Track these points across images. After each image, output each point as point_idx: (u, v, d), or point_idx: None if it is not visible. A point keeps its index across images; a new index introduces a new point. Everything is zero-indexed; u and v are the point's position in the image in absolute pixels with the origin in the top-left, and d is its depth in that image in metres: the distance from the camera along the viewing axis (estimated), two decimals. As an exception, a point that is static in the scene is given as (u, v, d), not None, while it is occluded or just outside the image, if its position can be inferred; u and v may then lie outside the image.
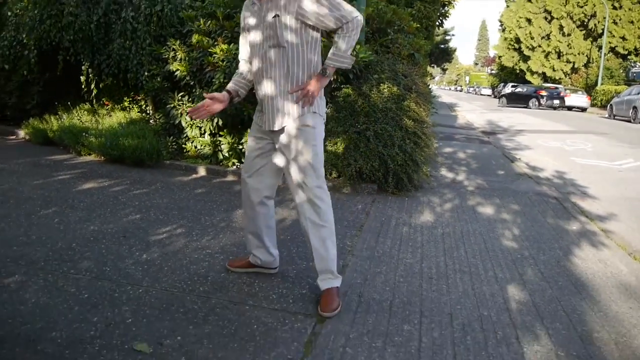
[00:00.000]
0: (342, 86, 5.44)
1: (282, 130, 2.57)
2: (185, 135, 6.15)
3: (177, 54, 5.96)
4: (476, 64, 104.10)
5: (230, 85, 2.77)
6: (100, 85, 6.74)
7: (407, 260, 3.36)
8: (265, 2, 2.52)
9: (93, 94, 6.80)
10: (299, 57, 2.53)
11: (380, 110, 5.24)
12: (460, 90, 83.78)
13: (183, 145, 6.18)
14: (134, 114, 6.91)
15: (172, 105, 6.04)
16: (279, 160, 2.66)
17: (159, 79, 6.16)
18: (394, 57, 5.93)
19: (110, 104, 7.19)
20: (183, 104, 6.02)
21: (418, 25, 7.07)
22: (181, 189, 5.03)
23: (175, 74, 5.94)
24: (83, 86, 6.63)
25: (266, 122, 2.61)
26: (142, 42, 6.11)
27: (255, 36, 2.59)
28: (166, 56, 6.04)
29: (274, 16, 2.47)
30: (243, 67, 2.78)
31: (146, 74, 6.16)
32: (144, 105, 7.00)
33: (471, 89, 70.71)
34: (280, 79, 2.54)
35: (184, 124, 6.03)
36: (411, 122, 5.25)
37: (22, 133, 7.19)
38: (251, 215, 2.84)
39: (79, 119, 6.73)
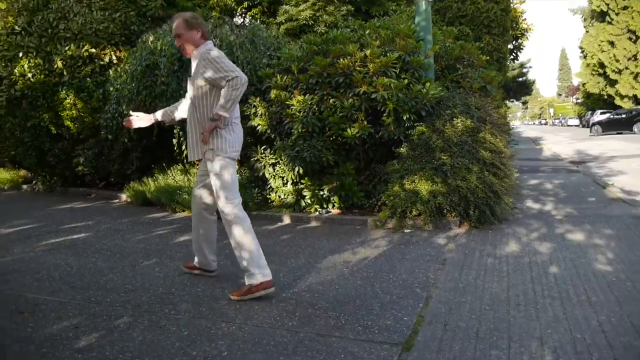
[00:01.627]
0: (416, 124, 5.55)
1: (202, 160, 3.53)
2: (269, 186, 6.47)
3: (258, 109, 6.36)
4: (559, 94, 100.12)
5: (158, 112, 3.83)
6: (190, 146, 7.27)
7: (492, 290, 3.32)
8: (193, 61, 3.45)
9: (184, 154, 7.33)
10: (205, 106, 3.38)
11: (456, 144, 5.27)
12: (545, 123, 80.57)
13: (268, 196, 6.49)
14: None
15: (255, 159, 6.41)
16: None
17: (242, 135, 6.57)
18: (466, 91, 5.99)
19: (200, 163, 7.70)
20: (266, 156, 6.36)
21: (488, 58, 7.09)
22: (268, 236, 5.27)
23: (257, 128, 6.32)
24: (175, 148, 7.18)
25: (189, 154, 3.55)
26: (226, 103, 6.58)
27: (189, 85, 3.50)
28: (248, 113, 6.45)
29: (191, 75, 3.45)
30: (181, 102, 3.76)
31: (230, 131, 6.59)
32: (230, 161, 7.45)
33: (556, 120, 67.89)
34: (194, 121, 3.44)
35: (267, 175, 6.36)
36: (488, 154, 5.23)
37: (124, 196, 7.85)
38: (195, 224, 3.75)
39: (173, 179, 7.26)
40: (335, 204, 6.03)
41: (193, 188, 3.77)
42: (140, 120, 3.82)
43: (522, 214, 5.83)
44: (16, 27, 8.10)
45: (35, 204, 7.81)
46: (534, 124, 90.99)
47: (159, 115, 3.82)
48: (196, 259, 3.87)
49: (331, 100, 5.70)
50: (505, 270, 3.73)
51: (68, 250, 4.82)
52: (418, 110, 5.50)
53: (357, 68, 5.63)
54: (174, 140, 7.07)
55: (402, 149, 5.59)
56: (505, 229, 5.13)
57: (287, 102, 5.92)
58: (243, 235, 3.40)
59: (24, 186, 9.51)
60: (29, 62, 7.92)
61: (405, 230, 5.24)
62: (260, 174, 6.43)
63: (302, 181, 6.15)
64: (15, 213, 6.91)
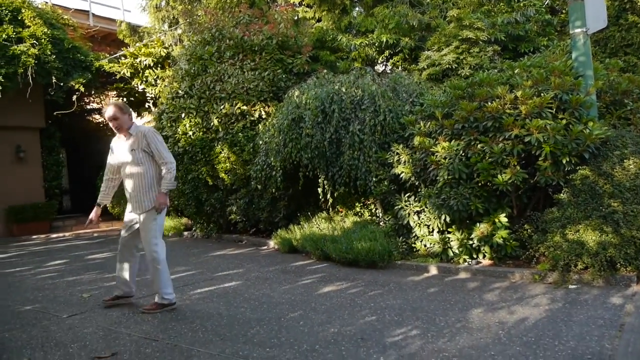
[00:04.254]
0: (578, 168, 5.00)
1: (141, 214, 4.55)
2: (414, 234, 6.24)
3: (401, 157, 6.24)
4: None
5: (101, 200, 4.79)
6: (335, 194, 7.36)
7: (692, 368, 2.74)
8: (127, 137, 4.56)
9: (329, 203, 7.43)
10: (148, 170, 4.52)
11: (629, 190, 4.64)
12: None
13: (413, 245, 6.26)
14: (365, 217, 7.31)
15: (399, 207, 6.25)
16: (140, 226, 4.59)
17: (385, 183, 6.49)
18: (638, 129, 5.29)
19: (343, 210, 7.75)
20: (410, 204, 6.18)
21: (663, 89, 6.26)
22: (413, 288, 5.02)
23: (401, 176, 6.20)
24: (320, 197, 7.31)
25: (135, 209, 4.57)
26: (369, 151, 6.58)
27: (126, 155, 4.54)
28: (391, 161, 6.36)
29: (132, 150, 4.51)
30: (108, 185, 4.77)
31: (374, 179, 6.56)
32: (374, 209, 7.37)
33: None
34: (141, 182, 4.52)
35: (412, 223, 6.15)
36: (673, 200, 4.51)
37: (272, 243, 8.12)
38: (123, 260, 4.73)
39: (317, 227, 7.36)
40: (486, 254, 5.60)
41: (124, 235, 4.70)
42: (95, 215, 4.75)
43: None
44: (180, 91, 9.00)
45: (194, 250, 8.38)
46: None
47: (101, 201, 4.79)
48: (117, 290, 4.86)
49: (479, 146, 5.39)
50: None
51: (220, 299, 5.01)
52: (580, 153, 4.96)
53: (507, 111, 5.28)
54: (319, 190, 7.20)
55: (562, 195, 5.06)
56: (699, 288, 4.32)
57: (432, 149, 5.73)
58: (163, 270, 4.62)
59: (185, 233, 10.33)
60: (190, 121, 8.71)
61: (570, 286, 4.65)
62: (405, 222, 6.24)
63: (449, 229, 5.84)
64: (177, 260, 7.45)
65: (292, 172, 7.48)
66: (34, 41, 10.96)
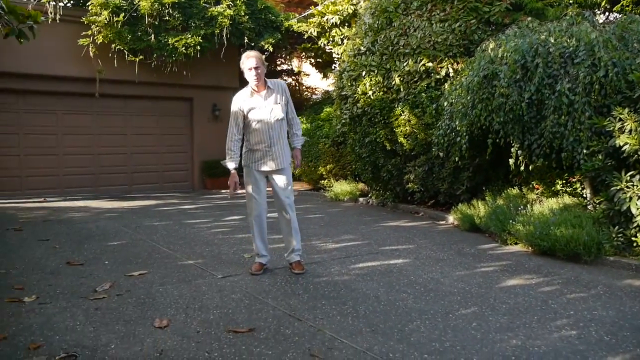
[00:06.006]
0: None
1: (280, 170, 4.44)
2: (635, 224, 4.84)
3: (625, 124, 4.84)
4: None
5: (237, 164, 4.39)
6: (530, 168, 6.15)
7: None
8: (268, 93, 4.38)
9: (522, 177, 6.26)
10: (285, 126, 4.51)
11: None
12: None
13: (633, 238, 4.86)
14: (567, 198, 5.99)
15: (617, 188, 4.88)
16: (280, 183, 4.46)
17: (600, 157, 5.13)
18: None
19: (540, 187, 6.49)
20: (633, 185, 4.78)
21: None
22: (633, 297, 3.80)
23: (623, 148, 4.82)
24: (512, 169, 6.17)
25: (274, 165, 4.38)
26: (580, 116, 5.24)
27: (265, 114, 4.36)
28: (610, 129, 4.99)
29: (277, 104, 4.39)
30: (236, 144, 4.38)
31: (584, 151, 5.22)
32: (580, 188, 6.01)
33: None
34: (282, 138, 4.45)
35: (634, 210, 4.76)
36: None
37: (451, 218, 7.22)
38: (263, 226, 4.56)
39: (506, 205, 6.25)
40: None
41: (261, 199, 4.48)
42: (237, 182, 4.43)
43: None
44: (362, 48, 8.40)
45: (366, 218, 7.87)
46: None
47: (237, 165, 4.40)
48: (264, 258, 4.58)
49: None
50: None
51: (381, 278, 4.37)
52: None
53: None
54: (511, 161, 6.05)
55: None
56: None
57: (675, 113, 4.27)
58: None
59: (360, 199, 9.89)
60: (370, 80, 8.07)
61: None
62: (624, 207, 4.85)
63: (691, 224, 4.37)
64: (346, 227, 7.01)
65: (479, 138, 6.42)
66: (230, 2, 11.30)
